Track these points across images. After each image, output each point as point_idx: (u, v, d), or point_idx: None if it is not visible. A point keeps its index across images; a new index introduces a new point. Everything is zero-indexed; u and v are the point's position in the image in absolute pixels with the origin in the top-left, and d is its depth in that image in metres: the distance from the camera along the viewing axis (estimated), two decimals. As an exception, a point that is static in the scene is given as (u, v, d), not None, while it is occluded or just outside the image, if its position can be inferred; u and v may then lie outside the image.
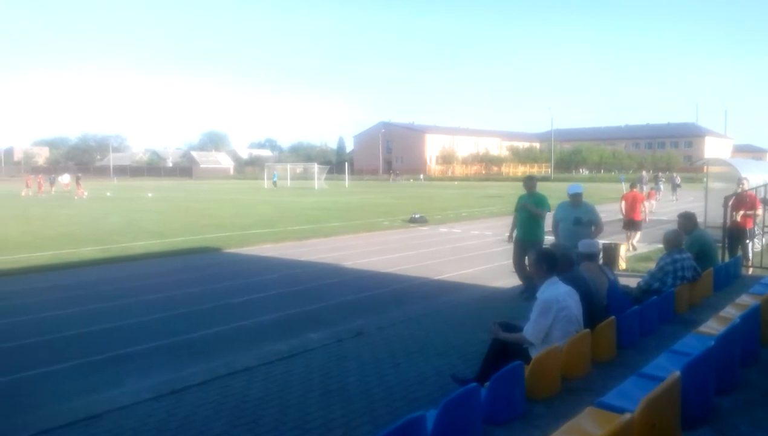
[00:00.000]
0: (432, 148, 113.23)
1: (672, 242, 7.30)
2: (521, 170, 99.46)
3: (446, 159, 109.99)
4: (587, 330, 4.90)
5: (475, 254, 15.41)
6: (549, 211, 9.38)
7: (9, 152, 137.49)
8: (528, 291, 8.51)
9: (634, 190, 16.90)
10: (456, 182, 76.93)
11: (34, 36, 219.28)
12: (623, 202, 15.94)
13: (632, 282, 8.25)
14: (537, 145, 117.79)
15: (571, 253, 6.02)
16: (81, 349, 7.44)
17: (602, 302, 5.73)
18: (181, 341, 7.81)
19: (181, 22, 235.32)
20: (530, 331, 4.86)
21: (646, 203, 21.08)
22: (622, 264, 12.00)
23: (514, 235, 9.75)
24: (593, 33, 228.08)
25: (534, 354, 4.63)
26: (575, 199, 8.78)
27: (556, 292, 4.88)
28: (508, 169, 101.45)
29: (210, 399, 5.50)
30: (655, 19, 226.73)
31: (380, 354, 6.70)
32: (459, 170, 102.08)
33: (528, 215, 9.37)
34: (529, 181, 9.75)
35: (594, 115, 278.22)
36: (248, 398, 5.51)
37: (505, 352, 4.93)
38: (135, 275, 12.54)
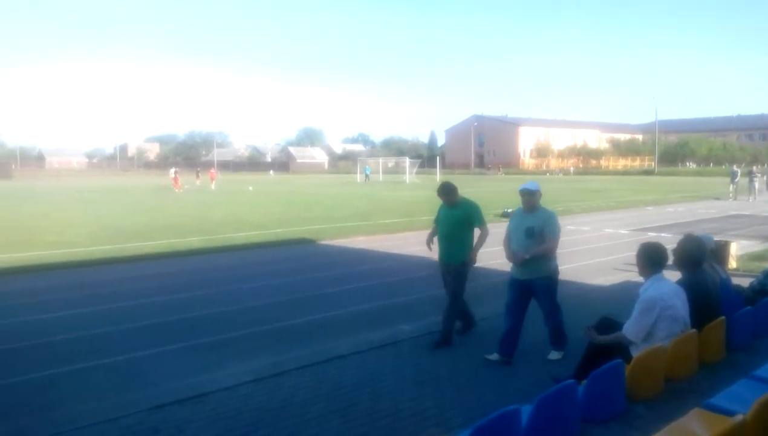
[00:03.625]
0: (526, 141, 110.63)
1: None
2: (622, 164, 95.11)
3: (541, 152, 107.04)
4: (694, 330, 4.65)
5: (572, 249, 14.92)
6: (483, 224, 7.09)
7: (123, 148, 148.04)
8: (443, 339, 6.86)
9: None
10: (561, 175, 74.70)
11: (145, 40, 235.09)
12: None
13: (744, 282, 7.72)
14: (639, 137, 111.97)
15: (700, 251, 5.17)
16: (187, 332, 7.92)
17: (718, 303, 5.39)
18: (279, 327, 8.13)
19: (279, 25, 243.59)
20: (630, 329, 4.67)
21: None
22: (733, 263, 11.23)
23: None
24: (700, 16, 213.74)
25: (635, 353, 4.46)
26: (528, 201, 6.36)
27: (661, 290, 4.65)
28: (607, 163, 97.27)
29: (307, 384, 5.72)
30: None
31: (472, 348, 6.68)
32: (554, 164, 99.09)
33: (451, 229, 6.99)
34: (444, 191, 7.05)
35: (702, 105, 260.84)
36: (342, 385, 5.67)
37: (604, 350, 4.76)
38: (237, 264, 13.19)
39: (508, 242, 6.51)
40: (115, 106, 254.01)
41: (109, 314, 8.88)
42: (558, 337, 6.43)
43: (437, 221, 7.24)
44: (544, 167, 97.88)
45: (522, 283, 6.28)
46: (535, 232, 6.20)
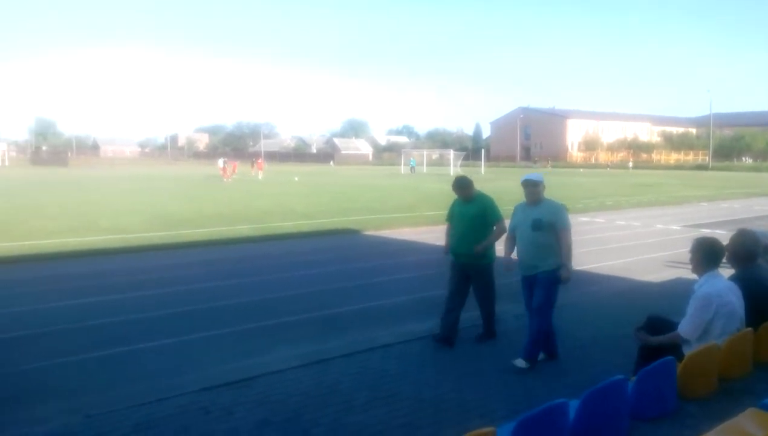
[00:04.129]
0: (574, 134, 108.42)
1: None
2: (674, 158, 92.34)
3: (589, 145, 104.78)
4: (749, 329, 4.50)
5: (620, 245, 14.63)
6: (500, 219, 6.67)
7: (174, 138, 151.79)
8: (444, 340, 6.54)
9: None
10: (609, 169, 73.01)
11: (196, 33, 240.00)
12: None
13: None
14: (693, 130, 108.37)
15: (755, 245, 4.96)
16: (235, 317, 8.11)
17: None
18: (324, 315, 8.25)
19: (325, 18, 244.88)
20: (686, 327, 4.54)
21: None
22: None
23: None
24: (757, 5, 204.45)
25: (688, 351, 4.35)
26: (531, 192, 5.96)
27: (717, 286, 4.51)
28: (659, 157, 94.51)
29: (352, 371, 5.80)
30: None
31: (517, 342, 6.62)
32: (603, 157, 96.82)
33: (467, 227, 6.60)
34: (459, 185, 6.71)
35: (760, 98, 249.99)
36: (387, 373, 5.73)
37: (658, 348, 4.65)
38: (284, 253, 13.42)
39: (510, 240, 6.21)
40: (166, 98, 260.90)
41: (160, 298, 9.18)
42: (533, 345, 5.84)
43: (451, 218, 6.85)
44: (593, 161, 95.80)
45: (529, 280, 6.02)
46: (542, 224, 5.81)
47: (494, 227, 6.56)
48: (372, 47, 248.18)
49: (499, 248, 6.44)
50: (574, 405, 3.32)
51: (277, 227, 16.98)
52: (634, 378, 3.86)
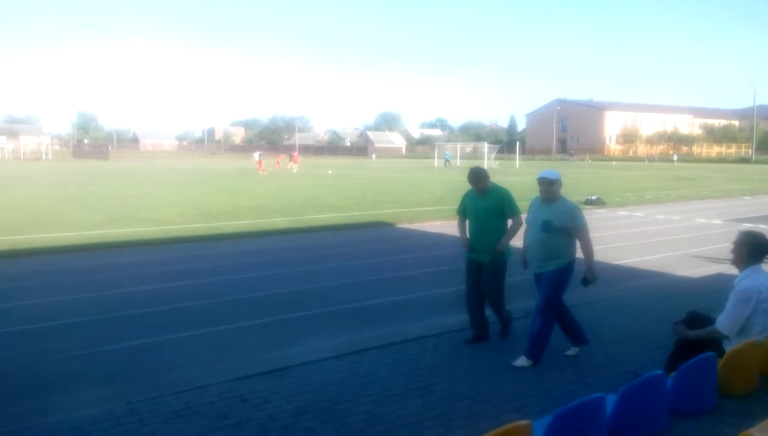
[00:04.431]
0: (612, 127, 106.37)
1: None
2: (716, 151, 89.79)
3: (628, 138, 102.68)
4: (794, 326, 4.38)
5: (660, 239, 14.33)
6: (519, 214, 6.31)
7: (211, 132, 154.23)
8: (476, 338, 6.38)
9: None
10: (647, 161, 71.47)
11: (231, 29, 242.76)
12: None
13: None
14: (735, 123, 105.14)
15: None
16: (270, 308, 8.23)
17: None
18: (358, 307, 8.30)
19: (357, 15, 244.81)
20: (724, 322, 4.46)
21: None
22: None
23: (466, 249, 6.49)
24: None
25: (728, 347, 4.26)
26: (546, 190, 5.70)
27: (757, 281, 4.41)
28: (700, 150, 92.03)
29: (386, 362, 5.83)
30: None
31: (552, 336, 6.56)
32: (642, 150, 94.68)
33: (482, 221, 6.28)
34: (475, 176, 6.33)
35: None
36: (421, 365, 5.74)
37: (695, 345, 4.56)
38: (318, 245, 13.54)
39: (525, 235, 5.99)
40: (204, 92, 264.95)
41: (197, 288, 9.37)
42: (536, 344, 5.69)
43: (463, 211, 6.47)
44: (631, 153, 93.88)
45: (538, 276, 5.86)
46: (552, 226, 5.55)
47: (511, 221, 6.25)
48: (405, 40, 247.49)
49: (518, 243, 6.23)
50: (611, 400, 3.29)
51: (311, 220, 17.13)
52: (673, 374, 3.80)
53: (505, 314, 6.52)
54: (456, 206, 6.78)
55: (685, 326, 4.82)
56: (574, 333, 5.97)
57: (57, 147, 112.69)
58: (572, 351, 5.95)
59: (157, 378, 5.75)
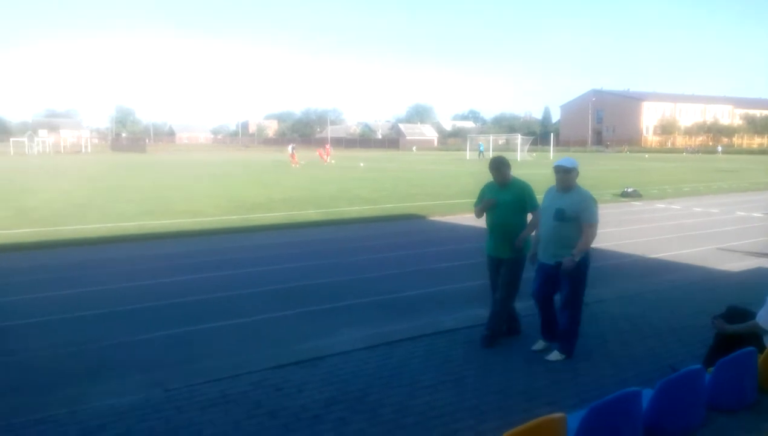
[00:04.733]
0: (649, 117, 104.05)
1: None
2: (757, 142, 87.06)
3: (666, 129, 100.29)
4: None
5: (698, 232, 14.01)
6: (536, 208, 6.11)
7: (245, 125, 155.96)
8: (490, 338, 6.10)
9: None
10: (685, 153, 69.72)
11: (263, 24, 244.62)
12: None
13: None
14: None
15: None
16: (304, 299, 8.32)
17: None
18: (390, 298, 8.33)
19: (389, 8, 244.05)
20: (765, 317, 4.34)
21: None
22: None
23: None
24: None
25: (769, 343, 4.16)
26: (562, 179, 5.56)
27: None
28: (741, 141, 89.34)
29: (418, 354, 5.85)
30: None
31: (587, 329, 6.48)
32: (680, 142, 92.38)
33: (502, 216, 6.07)
34: (497, 165, 6.11)
35: None
36: (452, 358, 5.74)
37: (735, 340, 4.46)
38: (350, 237, 13.61)
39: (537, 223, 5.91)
40: (238, 86, 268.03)
41: (232, 279, 9.51)
42: (567, 338, 5.65)
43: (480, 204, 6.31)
44: (669, 145, 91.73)
45: (545, 267, 5.70)
46: (565, 215, 5.43)
47: (530, 216, 6.11)
48: (437, 32, 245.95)
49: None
50: (647, 394, 3.25)
51: (343, 212, 17.21)
52: (711, 369, 3.73)
53: (512, 310, 6.37)
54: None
55: (724, 320, 4.73)
56: (551, 329, 5.86)
57: (96, 141, 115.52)
58: (538, 345, 5.90)
59: (194, 367, 5.87)
